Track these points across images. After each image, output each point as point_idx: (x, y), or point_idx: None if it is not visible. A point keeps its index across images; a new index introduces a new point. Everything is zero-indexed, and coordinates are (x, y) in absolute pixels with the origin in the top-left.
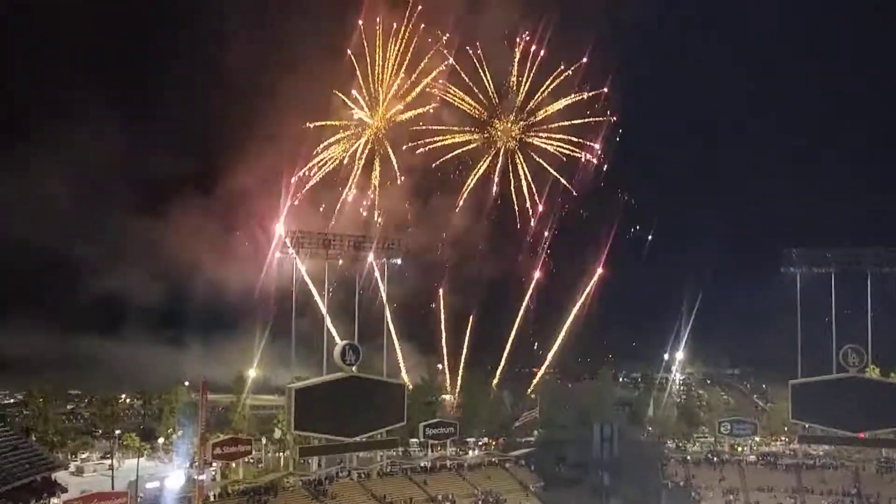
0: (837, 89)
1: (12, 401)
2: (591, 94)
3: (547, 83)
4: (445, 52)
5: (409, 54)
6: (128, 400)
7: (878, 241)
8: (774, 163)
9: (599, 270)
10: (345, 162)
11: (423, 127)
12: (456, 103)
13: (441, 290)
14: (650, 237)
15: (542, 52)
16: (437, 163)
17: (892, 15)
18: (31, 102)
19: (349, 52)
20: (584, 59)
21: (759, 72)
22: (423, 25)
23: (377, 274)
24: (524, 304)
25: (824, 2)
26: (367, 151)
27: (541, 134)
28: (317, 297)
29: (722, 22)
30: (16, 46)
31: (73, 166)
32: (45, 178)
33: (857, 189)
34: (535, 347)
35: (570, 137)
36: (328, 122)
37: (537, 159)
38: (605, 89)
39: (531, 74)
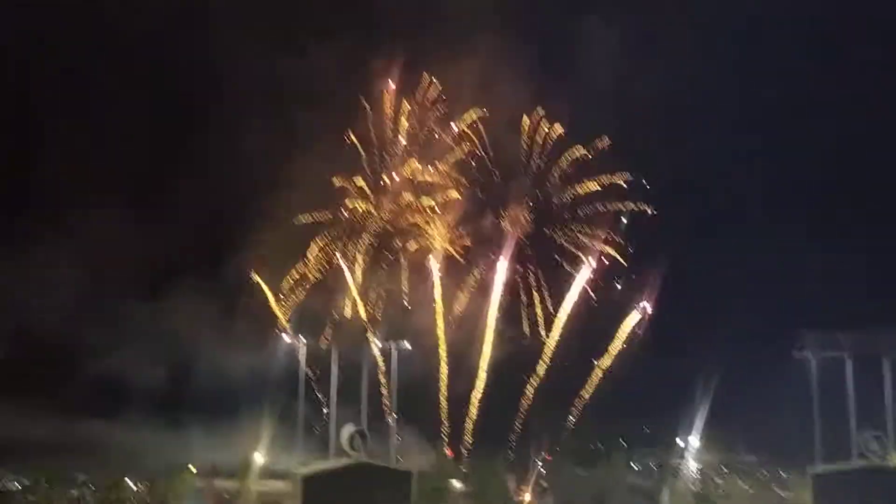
0: (861, 169)
1: (17, 486)
2: (609, 179)
3: (559, 166)
4: (451, 139)
5: (417, 138)
6: (133, 486)
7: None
8: (793, 243)
9: (611, 360)
10: (348, 250)
11: (430, 215)
12: (462, 190)
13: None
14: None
15: (556, 134)
16: (444, 248)
17: None
18: (38, 190)
19: (352, 137)
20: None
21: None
22: (435, 111)
23: (380, 358)
24: (532, 387)
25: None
26: (372, 239)
27: (557, 224)
28: (314, 384)
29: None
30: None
31: (75, 253)
32: (48, 265)
33: (876, 269)
34: (544, 432)
35: (587, 230)
36: (316, 216)
37: (550, 251)
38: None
39: (545, 157)
